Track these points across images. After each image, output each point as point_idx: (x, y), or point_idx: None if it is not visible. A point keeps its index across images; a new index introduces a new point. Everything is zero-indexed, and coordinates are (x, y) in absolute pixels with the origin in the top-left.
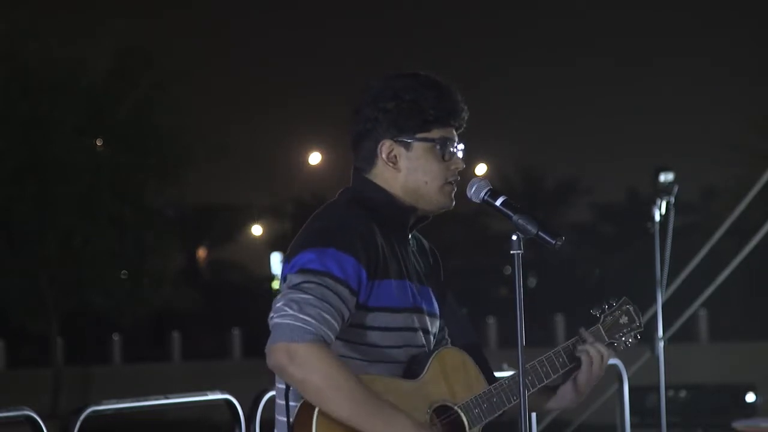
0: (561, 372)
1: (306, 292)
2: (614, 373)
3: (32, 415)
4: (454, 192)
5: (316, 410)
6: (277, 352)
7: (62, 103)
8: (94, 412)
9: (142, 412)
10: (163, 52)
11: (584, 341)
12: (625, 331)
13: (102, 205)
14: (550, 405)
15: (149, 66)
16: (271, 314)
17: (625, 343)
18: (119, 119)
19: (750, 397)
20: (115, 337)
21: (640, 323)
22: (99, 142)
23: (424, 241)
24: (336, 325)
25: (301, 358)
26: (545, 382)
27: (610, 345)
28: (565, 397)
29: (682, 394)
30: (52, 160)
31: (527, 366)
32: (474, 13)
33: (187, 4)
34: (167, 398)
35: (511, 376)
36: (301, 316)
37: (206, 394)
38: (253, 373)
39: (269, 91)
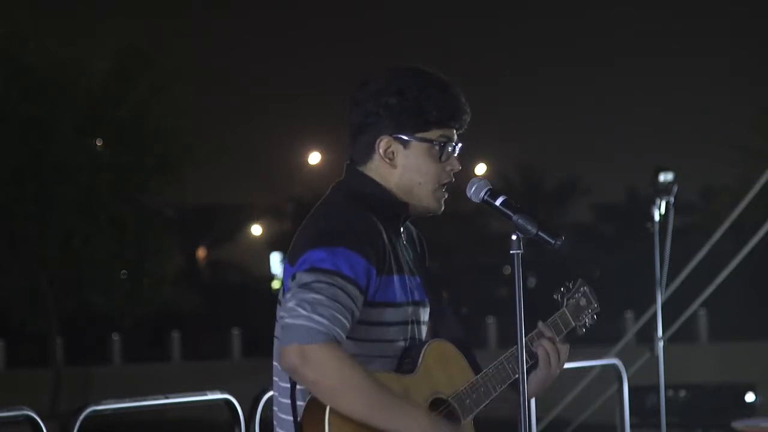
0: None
1: (317, 292)
2: (614, 373)
3: (32, 415)
4: (444, 198)
5: (328, 408)
6: (290, 354)
7: (62, 103)
8: (93, 412)
9: (141, 412)
10: (163, 52)
11: (540, 336)
12: (585, 313)
13: (102, 205)
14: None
15: (149, 66)
16: (283, 314)
17: (586, 326)
18: (119, 119)
19: (750, 397)
20: (115, 337)
21: (597, 304)
22: (99, 142)
23: (412, 228)
24: (347, 324)
25: (314, 359)
26: (512, 378)
27: (575, 329)
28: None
29: (682, 394)
30: (52, 160)
31: (495, 365)
32: (473, 13)
33: (187, 4)
34: (167, 398)
35: (494, 364)
36: (314, 316)
37: (206, 394)
38: (253, 373)
39: (269, 91)
